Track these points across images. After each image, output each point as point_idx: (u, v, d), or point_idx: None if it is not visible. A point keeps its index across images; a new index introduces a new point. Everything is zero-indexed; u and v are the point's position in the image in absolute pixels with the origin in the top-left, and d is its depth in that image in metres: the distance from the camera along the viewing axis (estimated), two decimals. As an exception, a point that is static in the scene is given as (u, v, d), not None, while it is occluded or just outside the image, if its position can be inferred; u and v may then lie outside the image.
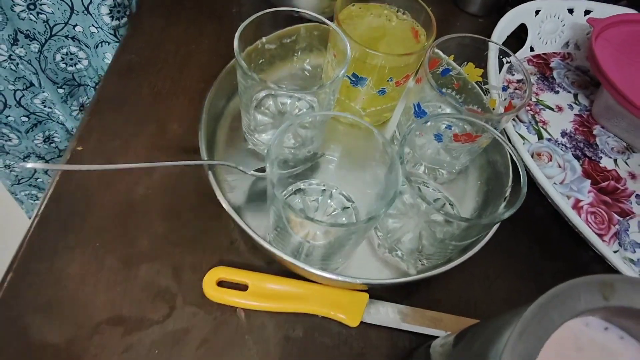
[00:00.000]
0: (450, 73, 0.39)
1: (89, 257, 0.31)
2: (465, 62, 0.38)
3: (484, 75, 0.38)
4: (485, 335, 0.19)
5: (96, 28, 0.50)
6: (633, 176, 0.43)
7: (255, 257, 0.33)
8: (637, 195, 0.42)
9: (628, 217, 0.40)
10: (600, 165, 0.44)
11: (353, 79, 0.36)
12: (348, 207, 0.36)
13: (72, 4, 0.48)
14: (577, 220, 0.35)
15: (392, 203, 0.26)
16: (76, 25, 0.50)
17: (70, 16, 0.49)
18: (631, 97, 0.41)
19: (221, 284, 0.31)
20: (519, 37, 0.52)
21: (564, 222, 0.38)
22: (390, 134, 0.43)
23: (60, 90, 0.54)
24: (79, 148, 0.36)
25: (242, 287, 0.31)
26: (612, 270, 0.35)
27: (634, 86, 0.43)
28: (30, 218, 0.62)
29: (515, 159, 0.29)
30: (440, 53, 0.37)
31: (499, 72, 0.40)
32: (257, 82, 0.29)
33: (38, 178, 0.70)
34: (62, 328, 0.28)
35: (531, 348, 0.15)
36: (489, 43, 0.37)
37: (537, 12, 0.50)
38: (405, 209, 0.32)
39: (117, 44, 0.51)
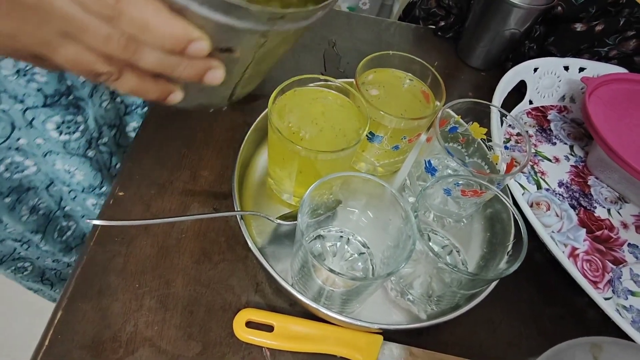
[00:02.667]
0: (458, 130, 0.43)
1: (129, 297, 0.34)
2: (471, 122, 0.42)
3: (488, 134, 0.42)
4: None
5: (43, 140, 0.45)
6: (625, 225, 0.47)
7: (279, 298, 0.36)
8: (629, 244, 0.45)
9: (621, 265, 0.43)
10: (595, 214, 0.47)
11: (369, 136, 0.40)
12: (364, 253, 0.39)
13: (13, 120, 0.42)
14: (572, 269, 0.38)
15: (409, 257, 0.29)
16: (20, 138, 0.44)
17: (12, 132, 0.43)
18: (621, 153, 0.45)
19: (249, 324, 0.34)
20: (519, 91, 0.56)
21: (561, 268, 0.41)
22: (401, 182, 0.47)
23: (7, 200, 0.47)
24: (121, 193, 0.39)
25: (268, 328, 0.34)
26: (605, 315, 0.38)
27: (624, 142, 0.47)
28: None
29: (516, 217, 0.33)
30: (451, 112, 0.40)
31: (501, 126, 0.44)
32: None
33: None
34: (105, 364, 0.31)
35: (533, 401, 0.18)
36: (491, 106, 0.41)
37: (535, 70, 0.55)
38: (416, 255, 0.35)
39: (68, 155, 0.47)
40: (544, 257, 0.44)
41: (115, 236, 0.37)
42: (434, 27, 0.65)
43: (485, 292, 0.35)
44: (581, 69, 0.57)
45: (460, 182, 0.36)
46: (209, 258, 0.37)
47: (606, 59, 0.57)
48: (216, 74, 0.22)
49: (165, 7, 0.18)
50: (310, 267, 0.32)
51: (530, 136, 0.53)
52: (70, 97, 0.43)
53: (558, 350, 0.20)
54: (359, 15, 0.66)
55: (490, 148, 0.43)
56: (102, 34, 0.19)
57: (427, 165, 0.39)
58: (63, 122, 0.44)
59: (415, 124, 0.39)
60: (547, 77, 0.56)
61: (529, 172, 0.49)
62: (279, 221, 0.37)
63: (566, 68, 0.57)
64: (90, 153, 0.49)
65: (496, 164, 0.42)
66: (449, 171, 0.39)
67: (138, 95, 0.23)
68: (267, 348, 0.34)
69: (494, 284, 0.36)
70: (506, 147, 0.40)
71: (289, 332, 0.34)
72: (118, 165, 0.55)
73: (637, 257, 0.44)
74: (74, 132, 0.45)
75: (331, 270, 0.28)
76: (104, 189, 0.53)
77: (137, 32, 0.19)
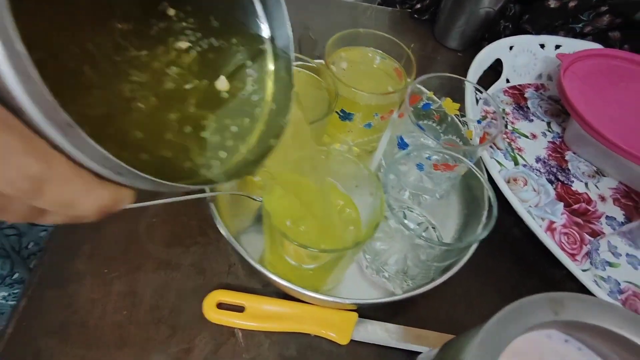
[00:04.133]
0: (431, 107, 0.42)
1: (97, 283, 0.33)
2: (444, 97, 0.41)
3: (461, 109, 0.42)
4: (456, 347, 0.22)
5: None
6: (603, 198, 0.47)
7: (252, 280, 0.36)
8: (606, 216, 0.45)
9: (598, 237, 0.43)
10: (572, 188, 0.47)
11: (342, 115, 0.40)
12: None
13: None
14: (549, 242, 0.38)
15: (376, 230, 0.29)
16: None
17: None
18: (597, 127, 0.45)
19: (220, 306, 0.34)
20: (495, 69, 0.56)
21: (539, 242, 0.40)
22: (377, 162, 0.47)
23: None
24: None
25: (240, 309, 0.34)
26: (583, 287, 0.38)
27: (600, 116, 0.47)
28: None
29: (486, 187, 0.32)
30: (422, 88, 0.40)
31: (477, 104, 0.44)
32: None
33: None
34: (72, 350, 0.30)
35: (488, 355, 0.18)
36: (466, 82, 0.41)
37: (511, 48, 0.55)
38: (391, 232, 0.35)
39: None
40: (521, 232, 0.43)
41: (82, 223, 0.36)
42: (410, 9, 0.64)
43: (459, 264, 0.35)
44: (557, 46, 0.57)
45: (431, 156, 0.36)
46: (181, 242, 0.37)
47: (581, 35, 0.57)
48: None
49: (91, 176, 0.16)
50: (279, 245, 0.31)
51: (507, 114, 0.53)
52: None
53: (517, 306, 0.20)
54: None
55: (464, 124, 0.43)
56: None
57: (400, 141, 0.38)
58: None
59: (386, 100, 0.38)
60: (523, 55, 0.56)
61: (506, 149, 0.49)
62: (256, 198, 0.37)
63: (542, 46, 0.56)
64: None
65: (470, 139, 0.42)
66: (423, 147, 0.39)
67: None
68: (239, 329, 0.33)
69: (468, 255, 0.35)
70: (479, 122, 0.40)
71: (261, 312, 0.34)
72: (31, 246, 0.50)
73: (614, 229, 0.44)
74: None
75: (299, 244, 0.27)
76: (16, 275, 0.47)
77: (56, 209, 0.16)
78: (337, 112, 0.39)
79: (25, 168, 0.14)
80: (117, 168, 0.15)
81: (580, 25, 0.56)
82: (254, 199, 0.37)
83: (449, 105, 0.41)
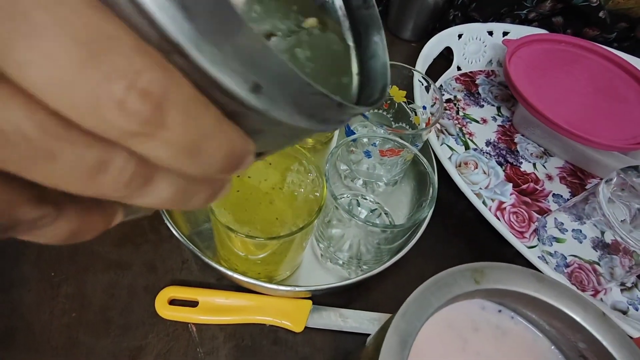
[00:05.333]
0: (379, 95, 0.43)
1: (44, 286, 0.33)
2: (391, 85, 0.42)
3: (408, 97, 0.43)
4: (389, 321, 0.23)
5: None
6: (550, 177, 0.49)
7: (206, 274, 0.36)
8: (553, 194, 0.47)
9: (545, 215, 0.45)
10: (521, 169, 0.49)
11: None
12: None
13: None
14: (492, 219, 0.39)
15: (318, 214, 0.29)
16: None
17: None
18: (541, 109, 0.47)
19: (173, 302, 0.34)
20: (448, 58, 0.57)
21: (490, 223, 0.42)
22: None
23: None
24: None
25: (194, 304, 0.34)
26: (531, 264, 0.39)
27: (544, 98, 0.48)
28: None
29: (427, 170, 0.33)
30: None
31: (427, 93, 0.45)
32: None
33: None
34: (18, 356, 0.30)
35: (411, 326, 0.19)
36: (413, 71, 0.42)
37: (460, 36, 0.56)
38: (344, 219, 0.35)
39: None
40: (474, 215, 0.44)
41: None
42: (364, 2, 0.65)
43: (409, 246, 0.36)
44: (505, 33, 0.58)
45: (376, 142, 0.37)
46: (131, 241, 0.36)
47: (527, 22, 0.59)
48: (224, 192, 0.14)
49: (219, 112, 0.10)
50: (225, 237, 0.31)
51: (458, 100, 0.54)
52: None
53: (440, 277, 0.21)
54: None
55: (412, 110, 0.44)
56: (85, 163, 0.09)
57: (347, 129, 0.39)
58: None
59: (332, 90, 0.39)
60: (473, 43, 0.58)
61: (457, 134, 0.50)
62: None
63: (490, 33, 0.58)
64: None
65: (418, 125, 0.43)
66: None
67: (72, 241, 0.12)
68: (193, 323, 0.33)
69: (416, 237, 0.36)
70: (424, 108, 0.41)
71: (214, 305, 0.34)
72: None
73: (559, 205, 0.46)
74: None
75: (245, 235, 0.28)
76: None
77: (175, 159, 0.10)
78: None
79: (137, 74, 0.08)
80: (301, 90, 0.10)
81: (524, 11, 0.57)
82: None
83: (396, 93, 0.42)
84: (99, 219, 0.12)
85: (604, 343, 0.20)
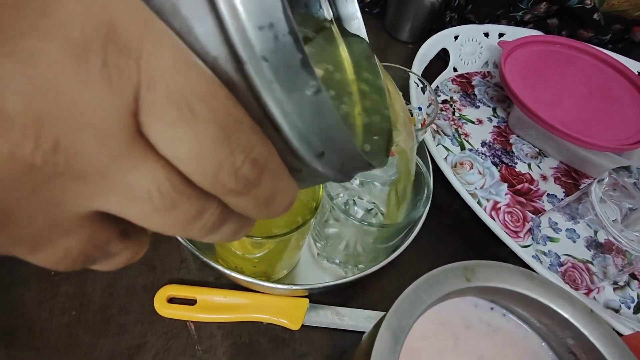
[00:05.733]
0: (376, 97, 0.44)
1: (44, 285, 0.33)
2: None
3: (405, 98, 0.43)
4: (383, 317, 0.23)
5: None
6: (544, 178, 0.49)
7: (204, 273, 0.36)
8: (548, 194, 0.48)
9: (540, 214, 0.45)
10: (516, 170, 0.49)
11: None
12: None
13: None
14: (486, 218, 0.40)
15: (314, 214, 0.30)
16: None
17: None
18: (536, 110, 0.47)
19: (172, 300, 0.34)
20: (443, 59, 0.58)
21: (485, 223, 0.42)
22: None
23: None
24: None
25: (192, 302, 0.34)
26: (525, 263, 0.40)
27: (539, 100, 0.49)
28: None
29: (422, 170, 0.34)
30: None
31: (423, 94, 0.45)
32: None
33: None
34: (19, 354, 0.30)
35: (403, 322, 0.19)
36: (409, 73, 0.43)
37: (456, 37, 0.57)
38: (340, 218, 0.36)
39: None
40: (469, 214, 0.45)
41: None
42: (361, 3, 0.65)
43: (404, 245, 0.36)
44: (501, 35, 0.59)
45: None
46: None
47: (523, 23, 0.60)
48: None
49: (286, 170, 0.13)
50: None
51: (454, 101, 0.55)
52: None
53: (431, 275, 0.21)
54: (288, -3, 0.67)
55: (409, 112, 0.44)
56: (192, 212, 0.11)
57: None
58: None
59: (328, 91, 0.39)
60: (469, 45, 0.58)
61: (453, 135, 0.51)
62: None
63: (486, 34, 0.59)
64: None
65: (414, 126, 0.43)
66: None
67: (119, 267, 0.14)
68: (191, 321, 0.34)
69: (412, 236, 0.37)
70: (420, 109, 0.42)
71: (212, 303, 0.34)
72: None
73: (554, 205, 0.47)
74: None
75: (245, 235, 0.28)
76: None
77: (257, 205, 0.12)
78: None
79: (251, 149, 0.11)
80: (353, 159, 0.13)
81: (520, 13, 0.58)
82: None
83: (392, 94, 0.43)
84: (144, 247, 0.14)
85: (592, 339, 0.21)
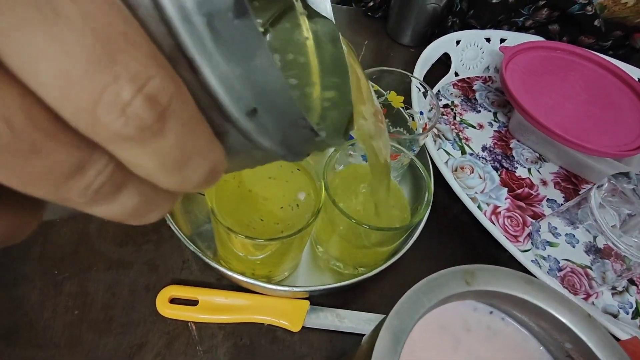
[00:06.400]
0: (378, 100, 0.44)
1: (47, 284, 0.34)
2: (389, 91, 0.43)
3: (406, 102, 0.44)
4: (384, 319, 0.23)
5: None
6: (544, 183, 0.50)
7: (206, 274, 0.37)
8: (547, 199, 0.48)
9: (539, 219, 0.46)
10: (516, 174, 0.50)
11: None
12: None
13: None
14: (487, 224, 0.40)
15: (316, 217, 0.30)
16: None
17: None
18: (536, 116, 0.48)
19: (174, 301, 0.34)
20: (446, 64, 0.58)
21: (484, 227, 0.43)
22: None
23: None
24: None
25: (194, 303, 0.34)
26: (524, 267, 0.40)
27: (539, 105, 0.49)
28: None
29: (423, 174, 0.34)
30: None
31: (425, 98, 0.46)
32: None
33: None
34: (22, 352, 0.31)
35: (404, 324, 0.20)
36: (411, 77, 0.43)
37: (457, 42, 0.57)
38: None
39: None
40: (469, 218, 0.45)
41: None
42: (364, 7, 0.66)
43: (404, 249, 0.36)
44: (502, 40, 0.59)
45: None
46: (133, 240, 0.37)
47: (524, 29, 0.60)
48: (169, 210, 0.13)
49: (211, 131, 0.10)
50: (226, 238, 0.32)
51: (455, 106, 0.55)
52: None
53: (432, 278, 0.21)
54: None
55: (410, 116, 0.44)
56: (65, 164, 0.08)
57: (346, 134, 0.40)
58: None
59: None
60: (470, 50, 0.59)
61: (454, 139, 0.51)
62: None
63: (488, 40, 0.59)
64: None
65: (415, 130, 0.43)
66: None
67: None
68: (193, 322, 0.34)
69: (411, 240, 0.37)
70: (421, 113, 0.42)
71: (214, 304, 0.34)
72: None
73: (553, 210, 0.47)
74: None
75: (246, 236, 0.28)
76: None
77: (160, 164, 0.09)
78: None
79: (147, 80, 0.08)
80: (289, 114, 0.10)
81: (521, 19, 0.58)
82: (202, 194, 0.37)
83: (393, 98, 0.43)
84: (29, 220, 0.11)
85: (589, 344, 0.21)
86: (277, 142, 0.11)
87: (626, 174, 0.37)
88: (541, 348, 0.25)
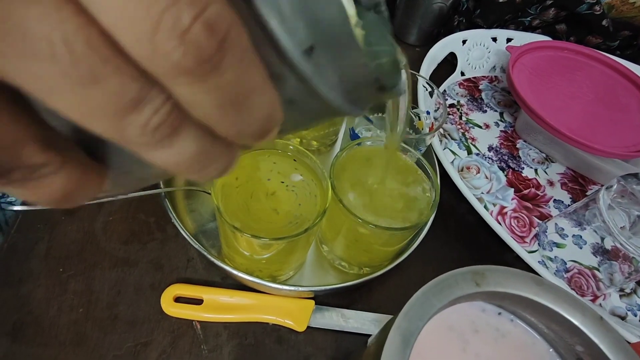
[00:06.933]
0: (384, 100, 0.44)
1: (53, 282, 0.33)
2: (395, 90, 0.43)
3: (413, 101, 0.43)
4: (391, 322, 0.23)
5: None
6: (551, 183, 0.49)
7: (211, 273, 0.37)
8: (554, 200, 0.48)
9: (546, 220, 0.45)
10: (523, 175, 0.49)
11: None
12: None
13: None
14: (495, 225, 0.40)
15: (322, 217, 0.30)
16: None
17: None
18: (543, 116, 0.47)
19: (179, 299, 0.34)
20: (451, 63, 0.58)
21: (491, 227, 0.42)
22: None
23: None
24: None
25: (199, 302, 0.34)
26: (531, 268, 0.40)
27: (546, 105, 0.49)
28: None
29: (430, 174, 0.34)
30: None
31: (431, 98, 0.45)
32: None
33: None
34: (27, 350, 0.30)
35: (413, 326, 0.19)
36: (417, 76, 0.43)
37: (464, 42, 0.57)
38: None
39: None
40: (475, 218, 0.45)
41: (37, 223, 0.36)
42: (369, 7, 0.66)
43: (410, 249, 0.36)
44: (509, 40, 0.59)
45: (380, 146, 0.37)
46: (138, 239, 0.37)
47: (531, 29, 0.59)
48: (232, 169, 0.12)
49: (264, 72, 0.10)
50: (231, 237, 0.32)
51: (461, 105, 0.55)
52: None
53: (441, 279, 0.21)
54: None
55: (416, 115, 0.44)
56: (124, 96, 0.08)
57: (352, 133, 0.39)
58: None
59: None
60: (477, 49, 0.58)
61: (460, 139, 0.51)
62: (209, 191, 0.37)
63: (494, 39, 0.59)
64: None
65: (421, 129, 0.43)
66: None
67: (62, 202, 0.11)
68: (197, 321, 0.34)
69: (417, 242, 0.37)
70: (428, 113, 0.42)
71: (218, 303, 0.34)
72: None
73: (560, 211, 0.46)
74: None
75: (252, 235, 0.28)
76: None
77: (219, 102, 0.09)
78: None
79: (206, 5, 0.08)
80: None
81: (528, 18, 0.58)
82: (208, 193, 0.37)
83: (400, 98, 0.43)
84: (94, 179, 0.11)
85: (602, 347, 0.21)
86: (335, 86, 0.10)
87: (635, 175, 0.36)
88: (551, 350, 0.25)
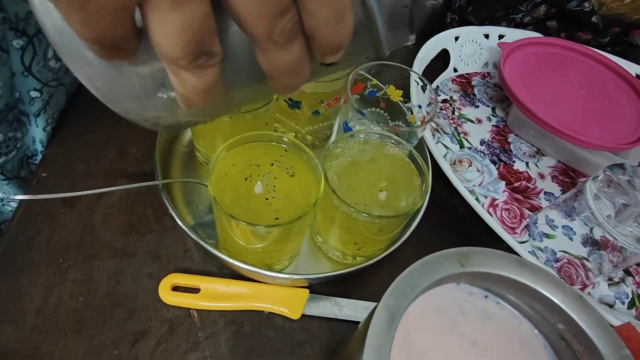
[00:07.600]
0: (377, 94, 0.45)
1: (53, 272, 0.34)
2: (387, 85, 0.44)
3: (405, 96, 0.44)
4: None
5: None
6: (542, 176, 0.50)
7: (208, 263, 0.37)
8: (545, 192, 0.49)
9: (537, 212, 0.46)
10: (514, 168, 0.50)
11: (290, 103, 0.41)
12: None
13: None
14: (485, 215, 0.40)
15: (315, 206, 0.31)
16: None
17: None
18: (534, 110, 0.48)
19: (176, 288, 0.35)
20: (444, 60, 0.59)
21: (482, 219, 0.43)
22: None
23: None
24: (44, 174, 0.39)
25: (196, 291, 0.35)
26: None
27: (537, 100, 0.50)
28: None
29: (421, 165, 0.35)
30: (368, 76, 0.42)
31: (423, 93, 0.46)
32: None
33: None
34: (28, 337, 0.31)
35: (400, 303, 0.20)
36: (410, 71, 0.44)
37: (456, 38, 0.58)
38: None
39: None
40: (467, 210, 0.46)
41: (38, 214, 0.37)
42: (364, 5, 0.67)
43: (404, 238, 0.37)
44: (501, 36, 0.60)
45: (373, 139, 0.38)
46: (136, 230, 0.38)
47: (522, 25, 0.61)
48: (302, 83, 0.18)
49: None
50: (227, 227, 0.33)
51: (454, 101, 0.56)
52: (16, 112, 0.38)
53: (427, 260, 0.22)
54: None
55: (408, 109, 0.45)
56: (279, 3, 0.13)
57: (345, 126, 0.40)
58: (4, 141, 0.37)
59: (331, 87, 0.40)
60: (469, 46, 0.59)
61: (453, 134, 0.52)
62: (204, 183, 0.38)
63: (486, 36, 0.60)
64: (23, 173, 0.42)
65: (414, 123, 0.44)
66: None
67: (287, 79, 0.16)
68: (195, 309, 0.35)
69: (410, 230, 0.38)
70: (419, 106, 0.43)
71: (215, 292, 0.35)
72: None
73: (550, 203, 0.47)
74: (9, 152, 0.39)
75: (247, 223, 0.29)
76: None
77: (327, 15, 0.14)
78: (285, 100, 0.41)
79: None
80: None
81: (519, 15, 0.59)
82: (204, 185, 0.38)
83: (392, 92, 0.44)
84: (220, 86, 0.15)
85: (581, 324, 0.22)
86: (384, 22, 0.15)
87: (621, 165, 0.37)
88: (535, 331, 0.26)
